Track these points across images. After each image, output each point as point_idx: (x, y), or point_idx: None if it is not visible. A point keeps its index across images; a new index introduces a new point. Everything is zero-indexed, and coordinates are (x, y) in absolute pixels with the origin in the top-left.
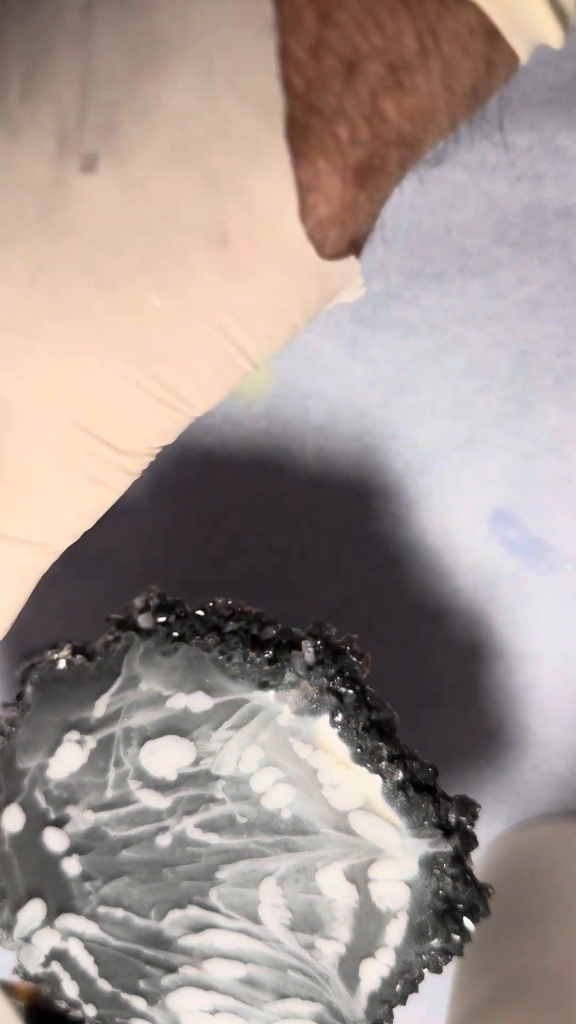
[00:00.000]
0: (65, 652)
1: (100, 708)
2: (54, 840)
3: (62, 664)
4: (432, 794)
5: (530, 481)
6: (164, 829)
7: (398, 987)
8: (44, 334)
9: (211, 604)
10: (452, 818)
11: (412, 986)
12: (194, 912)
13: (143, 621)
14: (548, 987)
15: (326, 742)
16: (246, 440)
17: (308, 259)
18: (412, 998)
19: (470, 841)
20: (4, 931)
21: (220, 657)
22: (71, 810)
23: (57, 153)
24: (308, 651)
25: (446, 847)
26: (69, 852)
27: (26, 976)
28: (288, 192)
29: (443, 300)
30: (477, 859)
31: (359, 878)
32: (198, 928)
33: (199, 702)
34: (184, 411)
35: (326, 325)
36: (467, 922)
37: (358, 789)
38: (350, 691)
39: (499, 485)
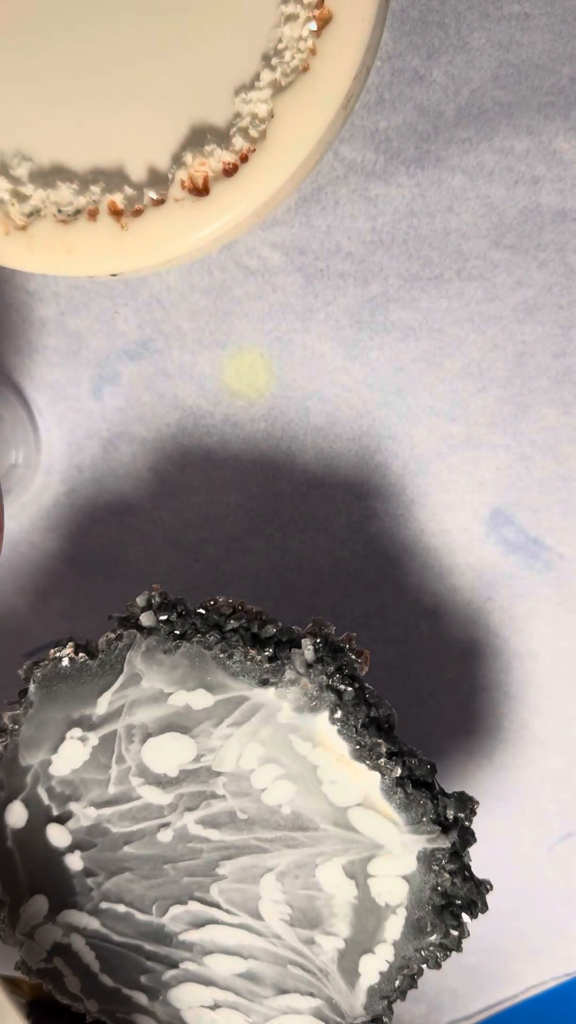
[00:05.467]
0: (68, 650)
1: (102, 705)
2: (57, 836)
3: (65, 662)
4: (430, 790)
5: (527, 481)
6: (165, 825)
7: (397, 982)
8: None
9: (212, 602)
10: (450, 814)
11: (411, 981)
12: (195, 908)
13: (145, 619)
14: None
15: (326, 739)
16: (246, 441)
17: None
18: (411, 995)
19: (468, 837)
20: (7, 927)
21: (221, 655)
22: (74, 806)
23: None
24: (308, 649)
25: (444, 843)
26: (71, 848)
27: (29, 971)
28: None
29: (441, 303)
30: None
31: (358, 874)
32: (199, 924)
33: (200, 699)
34: None
35: (325, 327)
36: (465, 918)
37: (357, 785)
38: (349, 688)
39: (496, 485)
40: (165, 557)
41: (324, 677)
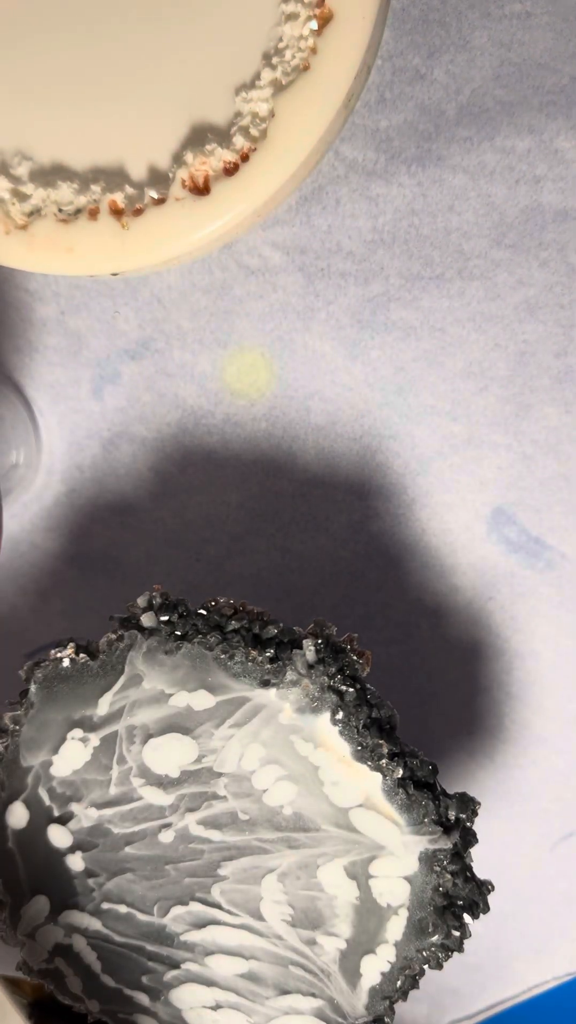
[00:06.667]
0: (69, 651)
1: (103, 706)
2: (58, 837)
3: (66, 662)
4: (432, 791)
5: (528, 481)
6: (167, 826)
7: (399, 983)
8: None
9: (213, 603)
10: (452, 815)
11: (412, 982)
12: (196, 908)
13: (146, 620)
14: None
15: (327, 740)
16: (248, 441)
17: None
18: (413, 995)
19: (470, 838)
20: (8, 927)
21: (222, 656)
22: (75, 807)
23: None
24: (309, 650)
25: (446, 844)
26: (73, 849)
27: (30, 972)
28: None
29: (442, 302)
30: None
31: (360, 874)
32: (200, 924)
33: (201, 700)
34: None
35: (326, 327)
36: (467, 918)
37: (359, 786)
38: (350, 689)
39: (498, 485)
40: (166, 557)
41: (325, 678)
